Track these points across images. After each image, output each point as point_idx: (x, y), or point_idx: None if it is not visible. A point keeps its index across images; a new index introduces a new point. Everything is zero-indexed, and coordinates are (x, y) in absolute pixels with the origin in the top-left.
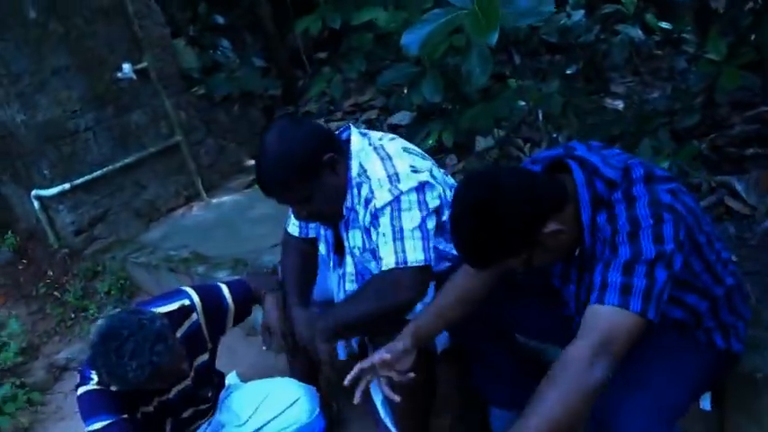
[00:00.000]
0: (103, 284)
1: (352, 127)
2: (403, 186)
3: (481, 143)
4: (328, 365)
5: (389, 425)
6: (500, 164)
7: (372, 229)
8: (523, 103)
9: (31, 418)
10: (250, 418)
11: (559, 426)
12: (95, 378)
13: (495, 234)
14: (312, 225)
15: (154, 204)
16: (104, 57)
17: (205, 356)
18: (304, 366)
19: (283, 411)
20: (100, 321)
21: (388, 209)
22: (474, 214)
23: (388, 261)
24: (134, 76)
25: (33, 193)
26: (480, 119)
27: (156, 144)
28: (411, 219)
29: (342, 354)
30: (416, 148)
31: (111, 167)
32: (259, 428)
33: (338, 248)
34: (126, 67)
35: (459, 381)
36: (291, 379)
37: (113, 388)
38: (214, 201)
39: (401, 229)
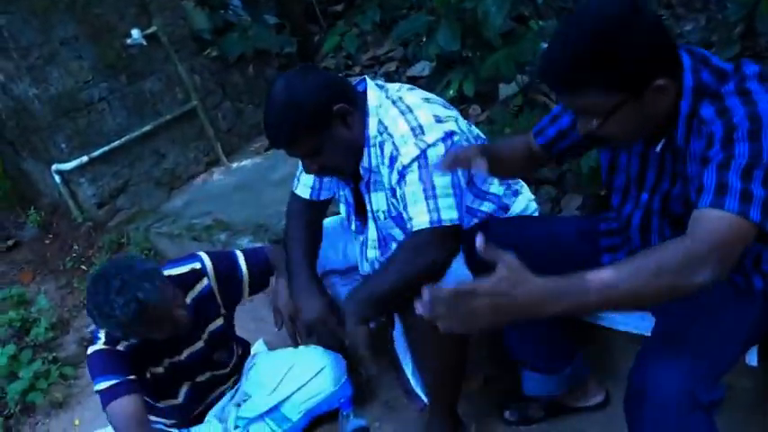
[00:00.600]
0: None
1: (367, 79)
2: (429, 138)
3: (504, 90)
4: (365, 351)
5: (420, 393)
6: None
7: (398, 188)
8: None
9: (64, 392)
10: (276, 388)
11: (638, 291)
12: (103, 338)
13: (606, 55)
14: (327, 186)
15: (174, 172)
16: (113, 23)
17: (219, 322)
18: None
19: (309, 381)
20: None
21: (416, 164)
22: (596, 29)
23: (421, 220)
24: (144, 42)
25: (53, 167)
26: (502, 65)
27: (173, 110)
28: (441, 175)
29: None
30: (437, 98)
31: (128, 137)
32: (285, 398)
33: (359, 211)
34: (135, 32)
35: (489, 341)
36: (317, 347)
37: (120, 347)
38: (234, 165)
39: (432, 186)
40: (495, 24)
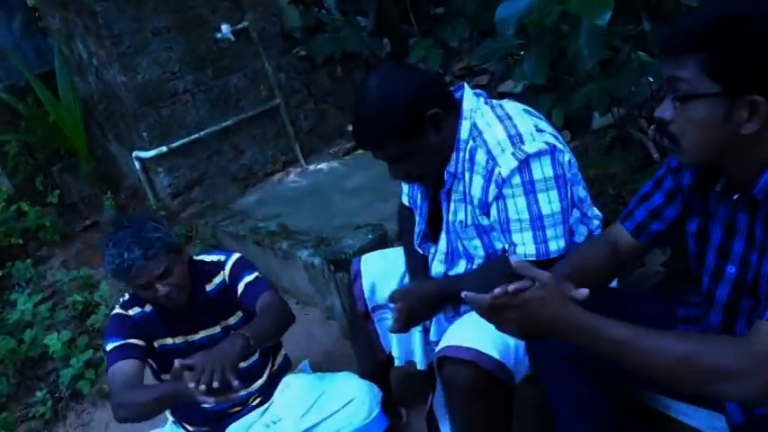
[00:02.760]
0: (194, 249)
1: (466, 86)
2: (528, 148)
3: (598, 121)
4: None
5: None
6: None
7: (496, 204)
8: (652, 80)
9: None
10: (306, 413)
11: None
12: (122, 301)
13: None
14: (410, 196)
15: (251, 169)
16: (205, 17)
17: (239, 315)
18: (371, 367)
19: (341, 408)
20: None
21: (518, 178)
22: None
23: (527, 251)
24: (232, 37)
25: (134, 154)
26: (594, 97)
27: (255, 107)
28: (549, 201)
29: (422, 364)
30: (537, 112)
31: (208, 131)
32: (315, 425)
33: (432, 223)
34: (225, 27)
35: (534, 410)
36: (353, 375)
37: (131, 312)
38: (311, 167)
39: (540, 216)
40: (585, 68)
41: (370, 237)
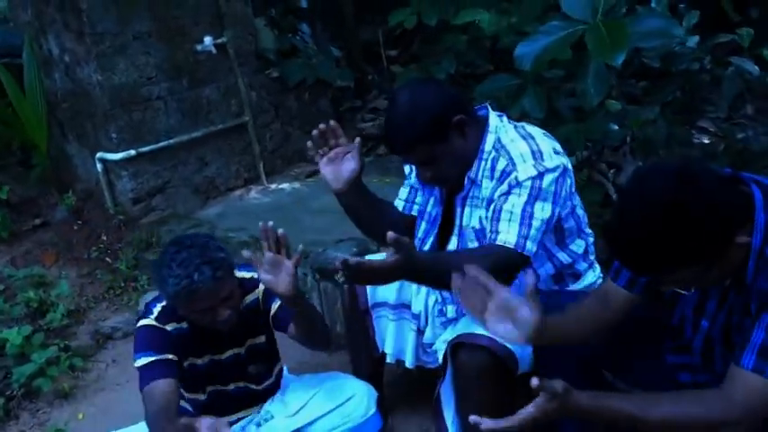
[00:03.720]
0: (156, 256)
1: (488, 106)
2: (548, 164)
3: None
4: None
5: None
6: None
7: (498, 200)
8: (616, 128)
9: (71, 383)
10: (300, 410)
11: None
12: (155, 313)
13: (687, 235)
14: (418, 202)
15: (213, 182)
16: (187, 28)
17: (261, 339)
18: (367, 365)
19: (336, 408)
20: None
21: (529, 183)
22: (666, 209)
23: (509, 239)
24: (214, 50)
25: (98, 155)
26: (573, 137)
27: (225, 121)
28: (543, 208)
29: (411, 363)
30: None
31: (177, 139)
32: (308, 424)
33: (443, 227)
34: (207, 39)
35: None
36: (349, 375)
37: (169, 327)
38: (273, 186)
39: (531, 215)
40: (593, 104)
41: (354, 249)
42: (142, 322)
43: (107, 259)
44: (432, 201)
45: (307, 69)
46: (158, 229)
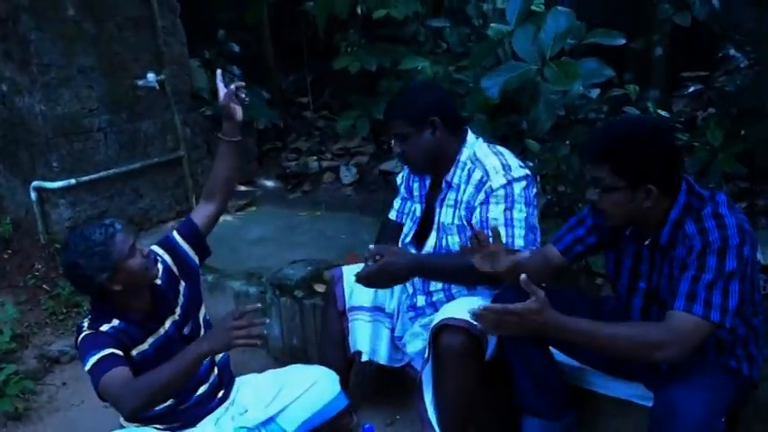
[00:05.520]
0: None
1: (468, 128)
2: (515, 174)
3: None
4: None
5: (435, 424)
6: None
7: (480, 208)
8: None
9: (24, 405)
10: (274, 399)
11: (619, 346)
12: (86, 324)
13: (652, 152)
14: (407, 211)
15: (147, 214)
16: (128, 64)
17: (185, 294)
18: (339, 364)
19: (304, 393)
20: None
21: (502, 191)
22: (653, 131)
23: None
24: (157, 86)
25: (34, 183)
26: None
27: (161, 155)
28: (519, 210)
29: (385, 359)
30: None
31: (115, 171)
32: (282, 409)
33: (422, 226)
34: (151, 75)
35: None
36: (307, 365)
37: (104, 328)
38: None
39: (512, 218)
40: (544, 129)
41: (309, 268)
42: (80, 337)
43: (45, 287)
44: (415, 204)
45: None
46: None
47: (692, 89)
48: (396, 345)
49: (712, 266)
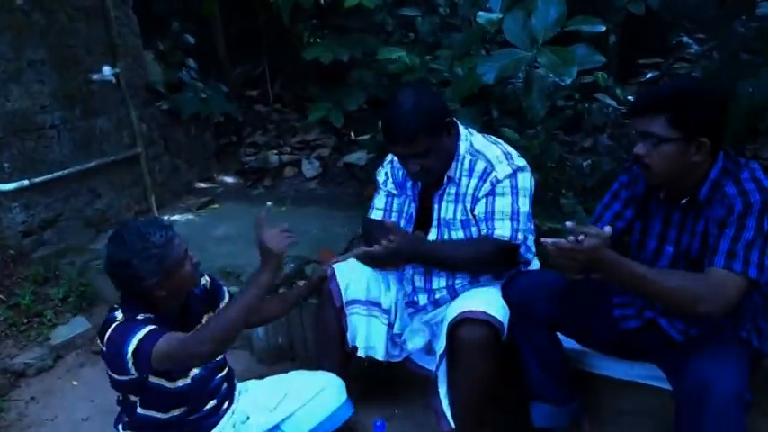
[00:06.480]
0: (58, 291)
1: (455, 119)
2: (518, 163)
3: None
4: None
5: (449, 416)
6: None
7: (486, 199)
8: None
9: None
10: (279, 404)
11: (673, 293)
12: (120, 315)
13: (710, 106)
14: (395, 210)
15: (104, 215)
16: (80, 57)
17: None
18: (338, 359)
19: (311, 399)
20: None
21: (507, 182)
22: (707, 88)
23: (503, 233)
24: (113, 79)
25: None
26: None
27: (117, 153)
28: (524, 204)
29: (382, 355)
30: None
31: (70, 170)
32: (288, 416)
33: (421, 222)
34: (106, 69)
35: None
36: (314, 371)
37: (140, 317)
38: (165, 218)
39: (517, 211)
40: (539, 116)
41: (291, 265)
42: (114, 326)
43: (0, 296)
44: (408, 201)
45: (200, 103)
46: (57, 261)
47: (649, 76)
48: (394, 341)
49: (752, 226)
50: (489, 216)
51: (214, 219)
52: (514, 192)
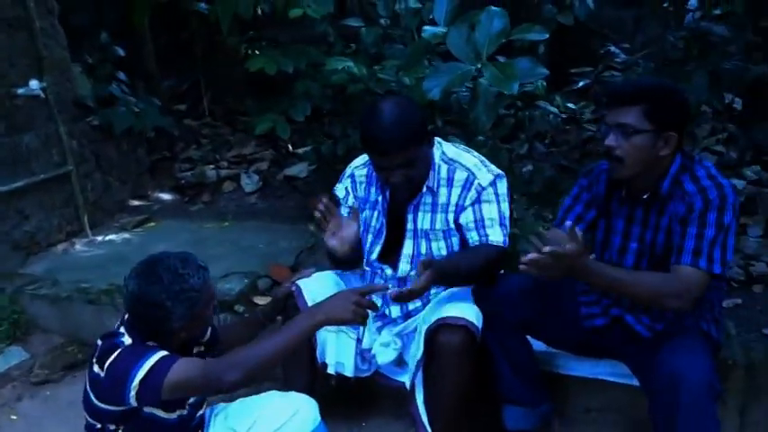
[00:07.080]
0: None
1: None
2: (494, 169)
3: None
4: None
5: (426, 424)
6: None
7: (472, 207)
8: None
9: None
10: (249, 430)
11: (642, 288)
12: (126, 339)
13: (681, 101)
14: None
15: (34, 237)
16: (4, 70)
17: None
18: (306, 376)
19: (285, 423)
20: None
21: (491, 189)
22: (675, 85)
23: (497, 239)
24: (42, 94)
25: None
26: None
27: (46, 171)
28: (506, 209)
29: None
30: None
31: None
32: None
33: (390, 236)
34: (34, 83)
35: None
36: (287, 392)
37: (150, 343)
38: (99, 238)
39: (504, 217)
40: (485, 128)
41: (245, 281)
42: (121, 350)
43: None
44: (375, 215)
45: (133, 117)
46: None
47: (581, 84)
48: (363, 356)
49: (713, 222)
50: (480, 224)
51: (152, 237)
52: (498, 198)
